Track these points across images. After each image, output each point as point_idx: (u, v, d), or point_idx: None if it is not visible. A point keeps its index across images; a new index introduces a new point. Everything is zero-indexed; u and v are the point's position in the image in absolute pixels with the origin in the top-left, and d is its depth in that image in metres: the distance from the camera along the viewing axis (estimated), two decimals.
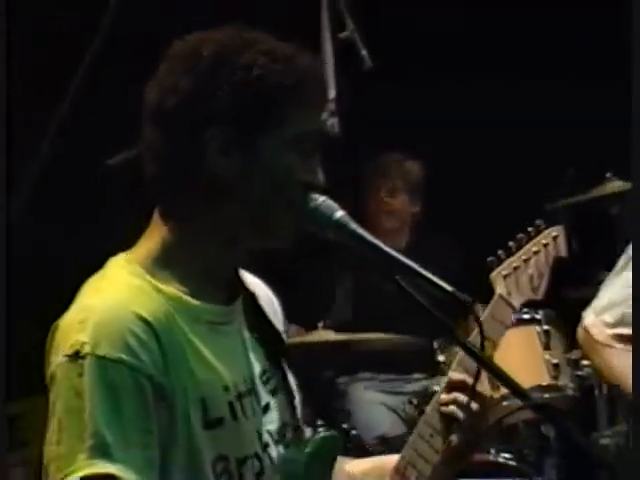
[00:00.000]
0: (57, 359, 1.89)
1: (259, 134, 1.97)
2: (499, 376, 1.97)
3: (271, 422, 2.04)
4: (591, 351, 3.31)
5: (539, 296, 2.33)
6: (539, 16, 5.22)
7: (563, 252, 2.36)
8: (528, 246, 2.31)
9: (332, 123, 4.16)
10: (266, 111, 1.97)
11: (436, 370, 3.96)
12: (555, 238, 2.34)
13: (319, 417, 3.96)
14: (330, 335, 4.13)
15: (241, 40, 1.97)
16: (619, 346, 3.20)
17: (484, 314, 2.22)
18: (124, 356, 1.87)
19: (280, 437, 2.06)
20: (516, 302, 2.28)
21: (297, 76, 1.96)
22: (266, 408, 2.04)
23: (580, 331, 3.30)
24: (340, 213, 1.99)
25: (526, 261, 2.30)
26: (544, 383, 3.96)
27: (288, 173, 1.98)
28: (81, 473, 1.83)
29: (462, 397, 2.13)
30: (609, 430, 4.14)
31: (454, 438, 2.13)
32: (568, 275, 4.25)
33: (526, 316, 4.03)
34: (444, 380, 2.16)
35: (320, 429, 2.14)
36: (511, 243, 2.31)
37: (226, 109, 1.95)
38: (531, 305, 3.67)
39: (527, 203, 4.14)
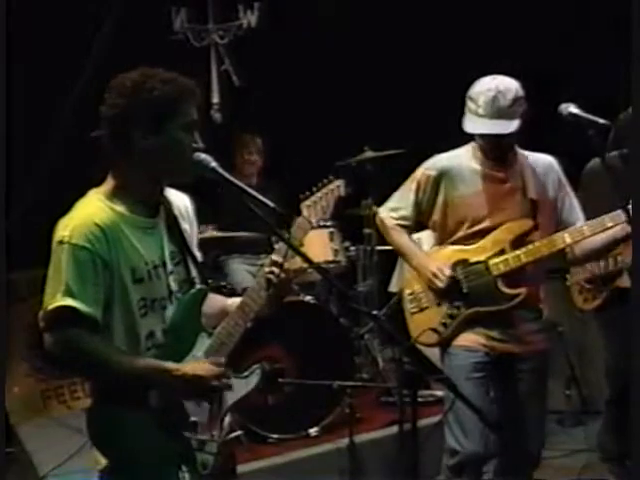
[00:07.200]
0: (53, 242, 2.34)
1: (165, 125, 2.39)
2: (300, 254, 2.48)
3: (175, 280, 2.53)
4: (385, 232, 3.78)
5: (327, 216, 2.78)
6: None
7: (342, 194, 2.74)
8: (323, 190, 2.70)
9: (217, 116, 6.07)
10: (165, 112, 2.39)
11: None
12: (338, 186, 2.72)
13: (210, 278, 4.95)
14: (214, 233, 5.56)
15: (146, 75, 2.41)
16: (399, 230, 3.73)
17: (294, 225, 2.65)
18: (86, 244, 2.34)
19: (180, 288, 2.53)
20: (313, 220, 2.69)
21: (180, 90, 2.40)
22: (171, 272, 2.51)
23: (377, 219, 3.79)
24: (214, 163, 2.42)
25: (320, 198, 2.68)
26: (329, 259, 5.46)
27: (183, 144, 2.40)
28: (57, 304, 2.32)
29: (276, 270, 2.58)
30: (362, 283, 5.85)
31: (271, 291, 2.59)
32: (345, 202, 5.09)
33: (322, 224, 5.31)
34: (270, 258, 2.61)
35: (197, 284, 2.53)
36: (314, 188, 2.69)
37: (143, 114, 2.38)
38: (327, 219, 4.86)
39: (325, 162, 4.81)
